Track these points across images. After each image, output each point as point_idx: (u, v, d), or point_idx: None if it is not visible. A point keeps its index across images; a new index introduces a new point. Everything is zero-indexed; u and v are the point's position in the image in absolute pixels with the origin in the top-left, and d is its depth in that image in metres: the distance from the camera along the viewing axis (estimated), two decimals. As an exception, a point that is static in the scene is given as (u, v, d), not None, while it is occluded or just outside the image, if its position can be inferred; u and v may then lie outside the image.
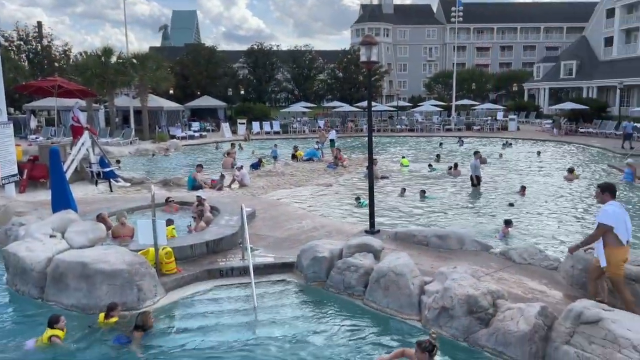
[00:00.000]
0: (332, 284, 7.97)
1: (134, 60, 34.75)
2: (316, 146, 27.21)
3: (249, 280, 7.62)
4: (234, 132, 40.34)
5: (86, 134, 17.19)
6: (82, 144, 16.98)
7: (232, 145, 27.32)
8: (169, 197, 12.84)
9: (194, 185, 16.77)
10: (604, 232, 6.39)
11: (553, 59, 64.36)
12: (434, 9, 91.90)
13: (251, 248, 8.54)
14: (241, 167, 18.68)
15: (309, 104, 56.42)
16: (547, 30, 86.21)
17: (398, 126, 43.69)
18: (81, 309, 7.35)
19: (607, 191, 6.66)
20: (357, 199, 14.74)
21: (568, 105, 43.98)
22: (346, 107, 49.61)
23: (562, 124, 38.63)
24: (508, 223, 11.27)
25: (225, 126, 40.22)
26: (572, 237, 11.02)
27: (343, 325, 6.83)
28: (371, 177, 11.11)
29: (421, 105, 57.02)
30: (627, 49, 52.22)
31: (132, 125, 35.18)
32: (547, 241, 10.86)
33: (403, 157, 23.69)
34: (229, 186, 17.38)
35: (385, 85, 75.40)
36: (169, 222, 10.16)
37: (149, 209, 9.68)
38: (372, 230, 10.46)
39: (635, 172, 17.71)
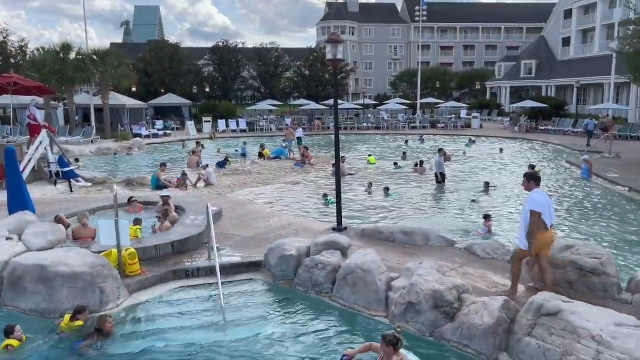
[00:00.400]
0: (300, 282, 7.95)
1: (94, 57, 33.81)
2: (284, 145, 27.11)
3: (216, 280, 7.53)
4: (200, 130, 39.80)
5: (44, 132, 16.63)
6: (40, 142, 16.41)
7: (198, 143, 26.93)
8: (132, 197, 12.55)
9: (158, 185, 16.45)
10: (537, 218, 6.74)
11: (514, 58, 66.02)
12: (399, 8, 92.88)
13: (218, 248, 8.43)
14: (207, 166, 18.47)
15: (275, 102, 56.19)
16: (507, 31, 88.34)
17: (364, 124, 44.02)
18: (40, 313, 7.11)
19: (532, 180, 7.14)
20: (325, 196, 14.77)
21: (528, 104, 45.26)
22: (313, 105, 49.66)
23: (518, 121, 39.79)
24: (487, 217, 11.49)
25: (190, 124, 39.63)
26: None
27: (311, 323, 6.82)
28: (338, 175, 11.14)
29: (387, 103, 57.61)
30: (583, 49, 54.05)
31: (93, 123, 34.28)
32: (510, 236, 11.12)
33: (370, 155, 23.86)
34: (195, 185, 17.13)
35: (352, 83, 75.80)
36: (137, 222, 9.96)
37: (112, 210, 9.44)
38: (339, 228, 10.50)
39: (591, 168, 18.36)
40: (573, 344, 5.18)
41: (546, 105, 43.70)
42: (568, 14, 56.72)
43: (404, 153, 25.40)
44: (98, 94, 35.19)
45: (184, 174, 17.36)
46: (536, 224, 6.70)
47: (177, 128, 42.52)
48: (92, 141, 31.18)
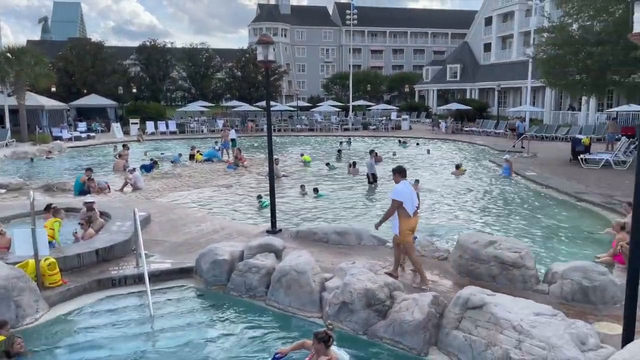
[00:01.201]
0: (233, 287, 7.81)
1: (9, 55, 31.59)
2: (216, 147, 26.57)
3: (144, 288, 7.24)
4: (126, 132, 38.24)
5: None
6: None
7: (124, 146, 25.80)
8: (51, 204, 11.79)
9: (82, 190, 15.61)
10: (397, 206, 7.47)
11: (440, 62, 68.66)
12: (330, 12, 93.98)
13: (146, 254, 8.11)
14: (134, 170, 17.76)
15: (206, 103, 55.10)
16: (434, 35, 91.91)
17: (298, 126, 44.15)
18: (-53, 333, 6.50)
19: (397, 172, 7.95)
20: (259, 197, 14.64)
21: (454, 106, 47.27)
22: (246, 107, 49.14)
23: (439, 122, 41.73)
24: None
25: (116, 126, 37.96)
26: (465, 227, 11.82)
27: (245, 328, 6.72)
28: (272, 176, 11.08)
29: (320, 105, 58.05)
30: (503, 54, 57.20)
31: (8, 125, 31.98)
32: (437, 233, 11.53)
33: (302, 155, 23.92)
34: (121, 190, 16.42)
35: (285, 85, 75.77)
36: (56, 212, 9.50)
37: (29, 217, 8.83)
38: (273, 230, 10.44)
39: (511, 167, 19.46)
40: (496, 334, 5.44)
41: (470, 108, 45.92)
42: (488, 21, 59.82)
43: (339, 151, 25.72)
44: (13, 94, 32.89)
45: (90, 179, 16.45)
46: (393, 209, 7.54)
47: (102, 130, 40.61)
48: (6, 144, 29.16)
